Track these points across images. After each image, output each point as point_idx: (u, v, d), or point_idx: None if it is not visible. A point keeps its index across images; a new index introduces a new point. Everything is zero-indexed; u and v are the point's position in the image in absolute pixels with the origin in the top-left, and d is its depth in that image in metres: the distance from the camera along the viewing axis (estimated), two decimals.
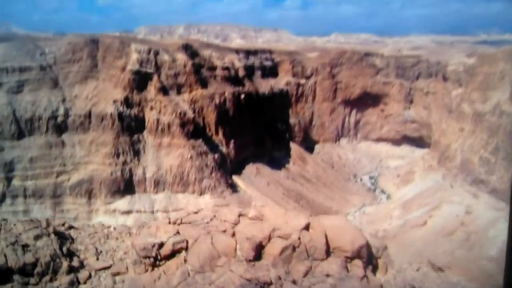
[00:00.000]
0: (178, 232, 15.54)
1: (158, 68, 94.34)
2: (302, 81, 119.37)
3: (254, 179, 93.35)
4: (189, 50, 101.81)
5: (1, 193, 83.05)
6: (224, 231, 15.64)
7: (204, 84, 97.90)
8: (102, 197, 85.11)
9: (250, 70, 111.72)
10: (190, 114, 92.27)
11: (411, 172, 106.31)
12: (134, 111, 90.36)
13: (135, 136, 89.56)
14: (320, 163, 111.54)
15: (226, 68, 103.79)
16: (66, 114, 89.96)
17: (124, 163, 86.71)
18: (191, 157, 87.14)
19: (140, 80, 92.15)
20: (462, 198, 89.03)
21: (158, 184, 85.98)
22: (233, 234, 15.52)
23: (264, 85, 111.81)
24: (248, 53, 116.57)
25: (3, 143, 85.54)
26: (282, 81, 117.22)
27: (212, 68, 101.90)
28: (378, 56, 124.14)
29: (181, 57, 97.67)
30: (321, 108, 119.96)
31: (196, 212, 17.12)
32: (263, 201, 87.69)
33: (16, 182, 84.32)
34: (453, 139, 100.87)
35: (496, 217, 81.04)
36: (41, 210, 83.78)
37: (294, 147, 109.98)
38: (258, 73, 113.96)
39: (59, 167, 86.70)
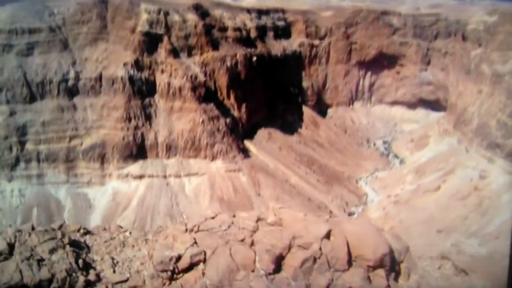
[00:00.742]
0: (195, 242, 15.01)
1: (168, 29, 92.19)
2: (316, 42, 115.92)
3: (266, 144, 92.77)
4: (200, 10, 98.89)
5: (15, 157, 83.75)
6: (243, 240, 15.08)
7: (215, 45, 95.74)
8: (115, 162, 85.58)
9: (262, 31, 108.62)
10: (201, 78, 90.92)
11: (425, 136, 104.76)
12: (145, 74, 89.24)
13: (146, 100, 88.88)
14: (333, 128, 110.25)
15: (238, 29, 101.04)
16: (77, 78, 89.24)
17: (136, 127, 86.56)
18: (202, 121, 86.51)
19: (150, 42, 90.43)
20: (477, 163, 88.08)
21: (170, 149, 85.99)
22: (252, 243, 14.97)
23: (277, 47, 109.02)
24: (260, 12, 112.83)
25: (15, 107, 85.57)
26: (295, 42, 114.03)
27: (223, 29, 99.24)
28: (395, 15, 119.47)
29: (192, 17, 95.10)
30: (335, 70, 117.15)
31: (213, 217, 16.53)
32: (275, 166, 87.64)
33: (29, 146, 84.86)
34: (470, 102, 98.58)
35: (511, 182, 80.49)
36: (55, 175, 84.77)
37: (307, 111, 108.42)
38: (270, 34, 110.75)
39: (72, 131, 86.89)
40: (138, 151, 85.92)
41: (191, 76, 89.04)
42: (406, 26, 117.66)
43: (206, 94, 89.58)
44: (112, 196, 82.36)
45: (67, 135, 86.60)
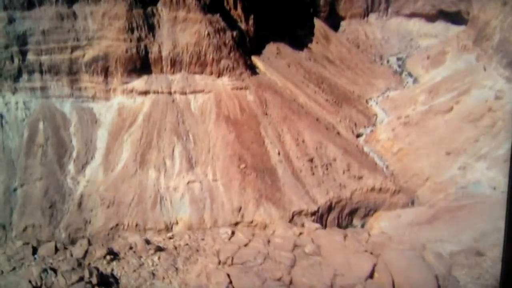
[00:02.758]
0: (230, 281, 13.66)
1: None
2: None
3: (274, 60, 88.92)
4: None
5: (17, 67, 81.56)
6: (280, 278, 13.69)
7: None
8: (119, 76, 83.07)
9: None
10: None
11: (442, 53, 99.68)
12: None
13: (149, 9, 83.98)
14: (345, 43, 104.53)
15: None
16: None
17: (139, 39, 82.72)
18: (208, 34, 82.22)
19: None
20: (494, 82, 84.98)
21: (174, 64, 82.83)
22: (290, 282, 13.61)
23: None
24: None
25: (14, 14, 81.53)
26: None
27: None
28: None
29: None
30: None
31: (246, 245, 15.05)
32: (283, 84, 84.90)
33: (31, 57, 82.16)
34: (493, 15, 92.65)
35: None
36: (59, 88, 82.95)
37: (318, 24, 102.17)
38: None
39: (73, 42, 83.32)
40: (142, 65, 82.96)
41: None
42: None
43: (211, 3, 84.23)
44: (117, 111, 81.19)
45: (68, 45, 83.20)
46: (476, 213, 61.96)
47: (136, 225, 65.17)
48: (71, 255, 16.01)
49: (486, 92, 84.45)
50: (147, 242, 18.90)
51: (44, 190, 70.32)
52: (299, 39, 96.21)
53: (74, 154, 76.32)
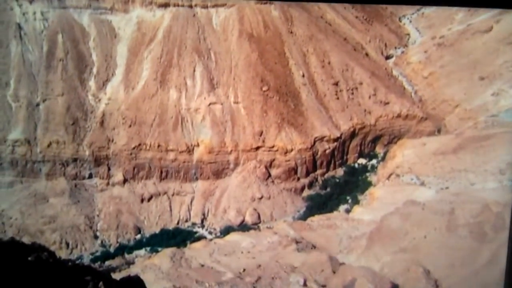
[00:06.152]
0: None
1: None
2: None
3: None
4: None
5: None
6: None
7: None
8: None
9: None
10: None
11: None
12: None
13: None
14: None
15: None
16: None
17: None
18: None
19: None
20: None
21: None
22: None
23: None
24: None
25: None
26: None
27: None
28: None
29: None
30: None
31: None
32: None
33: None
34: None
35: None
36: None
37: None
38: None
39: None
40: None
41: None
42: None
43: None
44: (137, 25, 78.06)
45: None
46: (503, 142, 60.09)
47: (158, 145, 65.52)
48: None
49: None
50: None
51: (66, 106, 70.37)
52: None
53: (95, 70, 75.03)
